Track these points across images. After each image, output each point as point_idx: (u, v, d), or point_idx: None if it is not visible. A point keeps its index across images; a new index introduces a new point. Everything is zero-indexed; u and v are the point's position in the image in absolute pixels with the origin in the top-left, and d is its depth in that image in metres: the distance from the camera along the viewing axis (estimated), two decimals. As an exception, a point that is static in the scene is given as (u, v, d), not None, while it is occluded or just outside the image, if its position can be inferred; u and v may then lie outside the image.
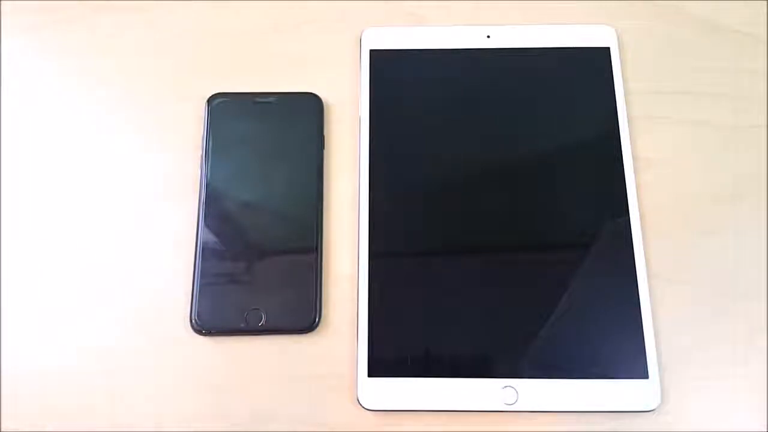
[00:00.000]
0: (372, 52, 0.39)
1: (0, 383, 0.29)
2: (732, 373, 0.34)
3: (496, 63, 0.39)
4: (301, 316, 0.35)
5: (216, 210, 0.36)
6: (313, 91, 0.39)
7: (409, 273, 0.35)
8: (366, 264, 0.35)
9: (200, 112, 0.38)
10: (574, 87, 0.38)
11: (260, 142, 0.38)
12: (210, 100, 0.38)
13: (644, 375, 0.33)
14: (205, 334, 0.35)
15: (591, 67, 0.39)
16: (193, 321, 0.34)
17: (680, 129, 0.38)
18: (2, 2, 0.42)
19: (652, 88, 0.39)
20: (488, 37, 0.40)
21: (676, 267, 0.36)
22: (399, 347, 0.34)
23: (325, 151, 0.38)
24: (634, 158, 0.37)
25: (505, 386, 0.33)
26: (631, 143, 0.37)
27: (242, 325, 0.34)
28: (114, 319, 0.35)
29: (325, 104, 0.39)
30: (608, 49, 0.39)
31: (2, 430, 0.28)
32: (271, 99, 0.38)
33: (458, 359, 0.33)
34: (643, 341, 0.33)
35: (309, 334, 0.35)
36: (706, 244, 0.36)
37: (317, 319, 0.34)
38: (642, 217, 0.36)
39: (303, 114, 0.38)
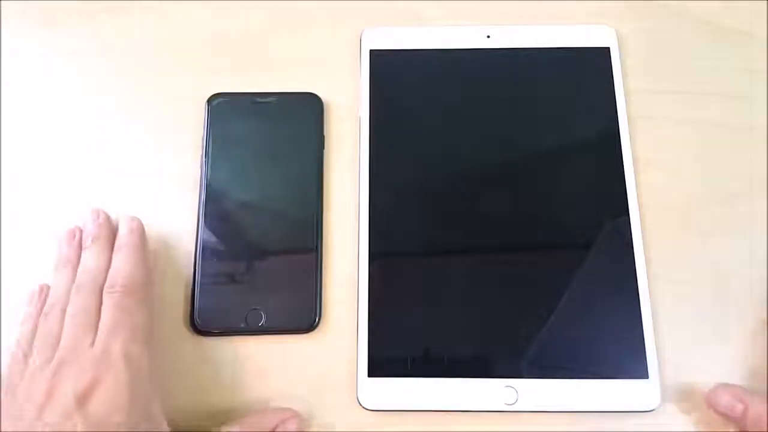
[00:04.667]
0: (372, 52, 0.39)
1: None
2: (732, 373, 0.34)
3: (496, 63, 0.39)
4: (301, 316, 0.35)
5: (216, 210, 0.36)
6: (313, 91, 0.39)
7: (409, 273, 0.35)
8: (366, 264, 0.35)
9: (200, 112, 0.38)
10: (574, 87, 0.38)
11: (260, 142, 0.38)
12: (210, 100, 0.38)
13: (644, 375, 0.33)
14: (205, 334, 0.35)
15: (591, 67, 0.39)
16: (193, 321, 0.34)
17: (680, 129, 0.38)
18: (2, 2, 0.42)
19: (652, 88, 0.39)
20: (488, 37, 0.40)
21: (676, 267, 0.36)
22: (399, 347, 0.34)
23: (325, 151, 0.38)
24: (634, 158, 0.37)
25: (506, 386, 0.33)
26: (631, 143, 0.37)
27: (242, 325, 0.34)
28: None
29: (325, 104, 0.39)
30: (608, 49, 0.39)
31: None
32: (271, 99, 0.38)
33: (458, 359, 0.33)
34: (643, 341, 0.33)
35: (309, 334, 0.35)
36: (706, 244, 0.36)
37: (317, 319, 0.34)
38: (642, 217, 0.36)
39: (303, 114, 0.38)
